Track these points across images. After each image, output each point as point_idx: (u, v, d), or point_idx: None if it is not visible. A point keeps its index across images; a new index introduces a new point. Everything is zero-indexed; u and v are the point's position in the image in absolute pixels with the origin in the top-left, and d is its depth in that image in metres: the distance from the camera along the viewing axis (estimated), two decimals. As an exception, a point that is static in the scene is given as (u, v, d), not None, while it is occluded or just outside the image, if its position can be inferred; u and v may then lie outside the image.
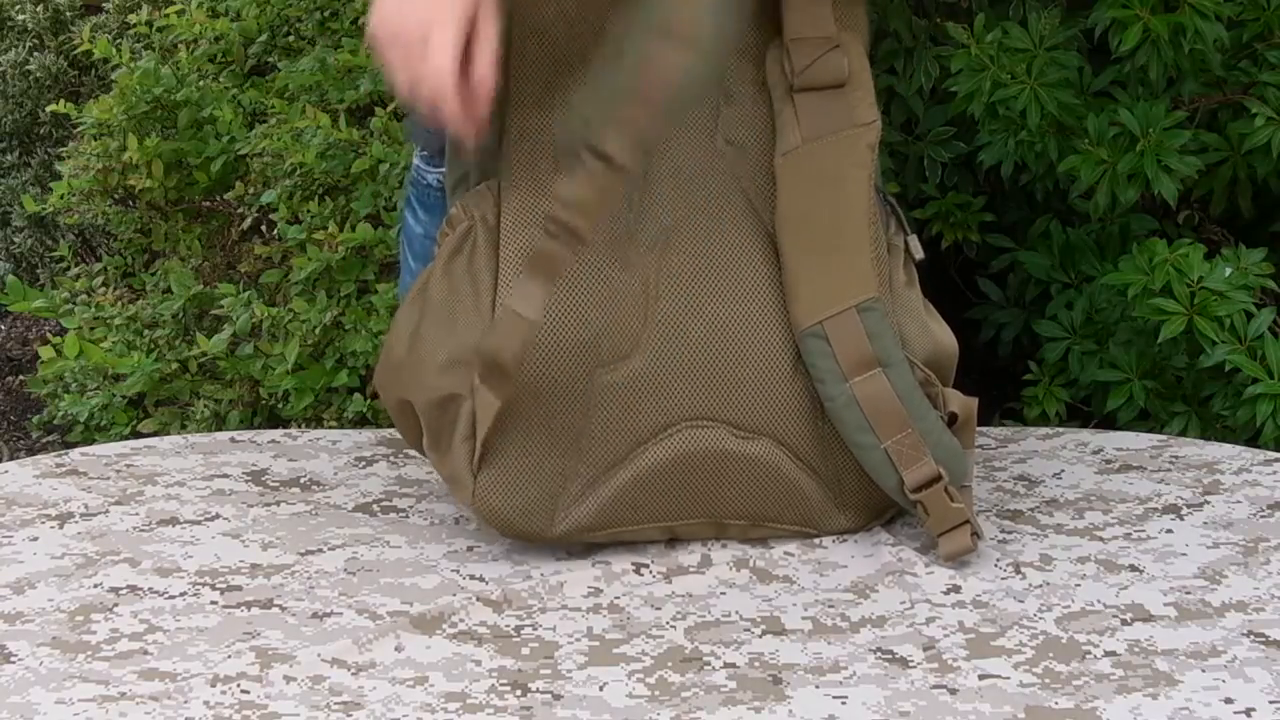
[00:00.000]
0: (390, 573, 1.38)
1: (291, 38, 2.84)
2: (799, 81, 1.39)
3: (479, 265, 1.37)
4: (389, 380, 1.41)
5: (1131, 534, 1.43)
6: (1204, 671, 1.20)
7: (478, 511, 1.37)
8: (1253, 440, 1.93)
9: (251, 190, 2.70)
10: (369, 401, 2.45)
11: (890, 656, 1.23)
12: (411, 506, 1.50)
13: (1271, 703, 1.15)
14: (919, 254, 1.44)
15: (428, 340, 1.37)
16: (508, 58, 1.37)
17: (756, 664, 1.23)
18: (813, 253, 1.38)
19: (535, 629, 1.29)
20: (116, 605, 1.33)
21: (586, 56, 1.38)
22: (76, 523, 1.48)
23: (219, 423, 2.58)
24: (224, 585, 1.36)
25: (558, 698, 1.19)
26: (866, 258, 1.38)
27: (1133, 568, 1.36)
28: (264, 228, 2.78)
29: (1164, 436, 1.65)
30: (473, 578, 1.37)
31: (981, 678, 1.20)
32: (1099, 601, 1.31)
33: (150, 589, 1.36)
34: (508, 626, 1.29)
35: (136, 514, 1.50)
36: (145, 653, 1.25)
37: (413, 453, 1.59)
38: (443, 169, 1.50)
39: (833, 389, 1.36)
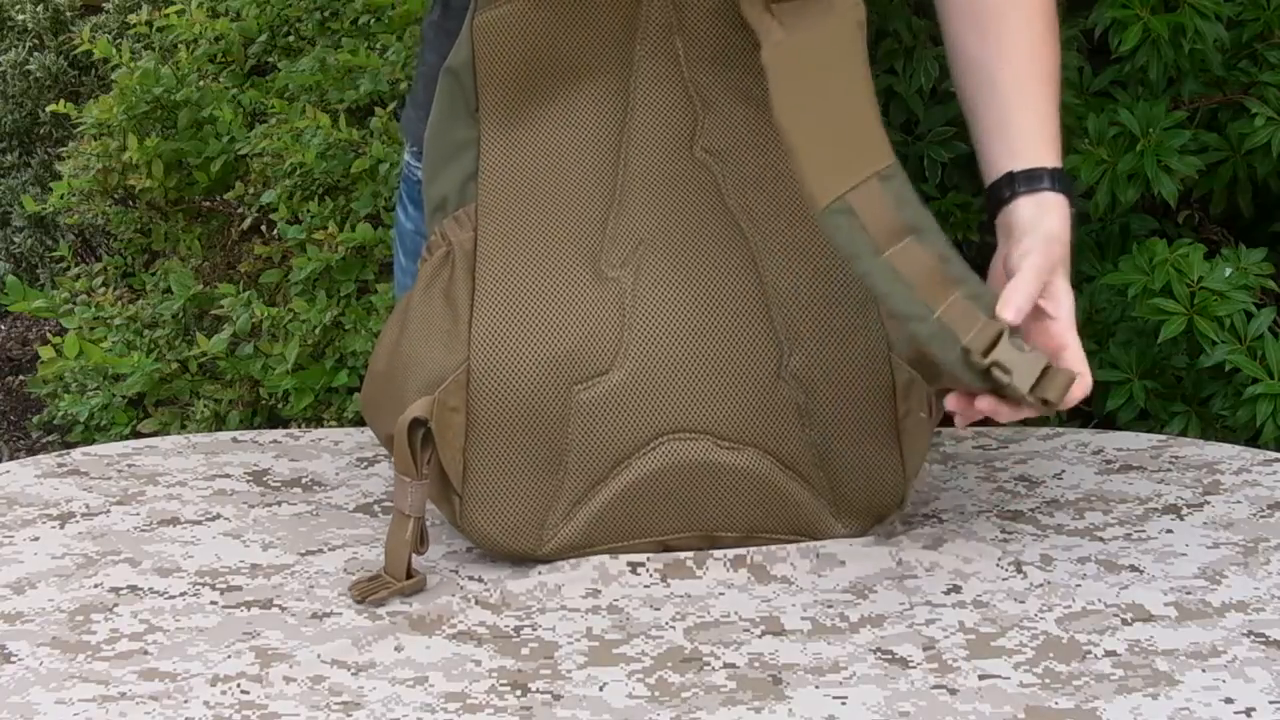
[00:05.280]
0: (390, 573, 1.38)
1: (291, 38, 2.85)
2: None
3: (456, 290, 1.37)
4: (373, 397, 1.40)
5: (1132, 534, 1.43)
6: (1204, 671, 1.20)
7: (464, 532, 1.37)
8: (1253, 440, 1.93)
9: (251, 190, 2.70)
10: (369, 401, 2.45)
11: (890, 657, 1.24)
12: (411, 506, 1.50)
13: (1271, 703, 1.15)
14: None
15: (406, 357, 1.37)
16: (474, 77, 1.37)
17: (756, 664, 1.23)
18: (819, 131, 1.31)
19: (535, 629, 1.29)
20: (116, 605, 1.33)
21: (557, 75, 1.37)
22: (77, 523, 1.48)
23: (219, 423, 2.58)
24: (224, 585, 1.36)
25: (558, 698, 1.19)
26: (877, 128, 1.31)
27: (1133, 568, 1.36)
28: (264, 228, 2.78)
29: (1164, 436, 1.65)
30: (472, 578, 1.37)
31: (981, 678, 1.20)
32: (1099, 601, 1.31)
33: (150, 589, 1.36)
34: (507, 627, 1.29)
35: (137, 514, 1.50)
36: (145, 653, 1.25)
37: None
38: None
39: (869, 264, 1.28)
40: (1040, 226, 1.36)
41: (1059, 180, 1.38)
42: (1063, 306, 1.32)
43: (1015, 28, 1.41)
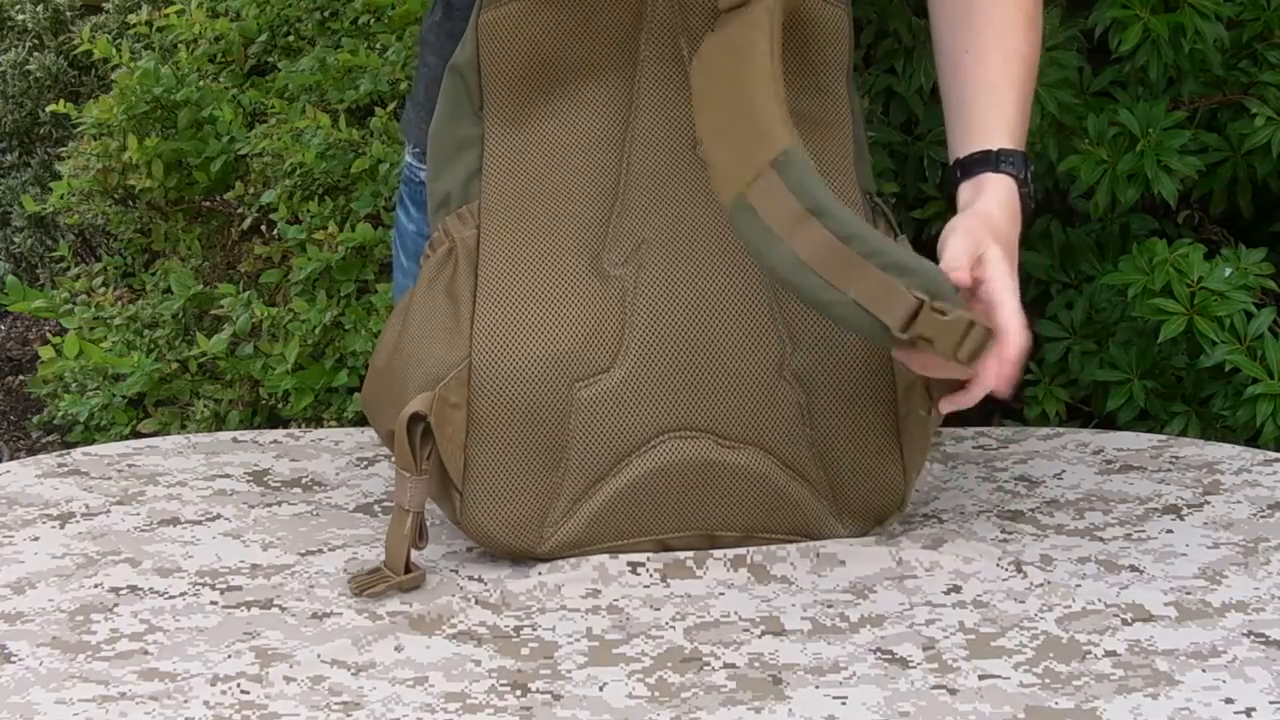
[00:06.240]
0: (390, 573, 1.37)
1: (291, 38, 2.84)
2: (722, 4, 1.35)
3: (459, 287, 1.37)
4: (374, 393, 1.41)
5: (1132, 534, 1.43)
6: (1204, 671, 1.20)
7: (464, 529, 1.37)
8: (1253, 440, 1.93)
9: (251, 190, 2.70)
10: (369, 401, 2.45)
11: (890, 657, 1.24)
12: (411, 506, 1.50)
13: (1272, 703, 1.15)
14: None
15: (408, 354, 1.37)
16: (479, 76, 1.37)
17: (756, 664, 1.23)
18: (724, 130, 1.31)
19: (534, 629, 1.29)
20: (116, 605, 1.33)
21: (562, 75, 1.37)
22: (77, 523, 1.48)
23: (219, 423, 2.58)
24: (224, 585, 1.36)
25: (558, 698, 1.19)
26: (773, 114, 1.29)
27: (1133, 568, 1.36)
28: (264, 228, 2.78)
29: (1164, 436, 1.65)
30: (472, 578, 1.37)
31: (981, 678, 1.20)
32: (1099, 601, 1.31)
33: (150, 589, 1.36)
34: (507, 627, 1.29)
35: (138, 514, 1.50)
36: (145, 653, 1.25)
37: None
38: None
39: (774, 257, 1.27)
40: (973, 205, 1.36)
41: (1005, 161, 1.37)
42: (993, 268, 1.30)
43: (988, 16, 1.42)
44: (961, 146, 1.40)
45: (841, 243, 1.23)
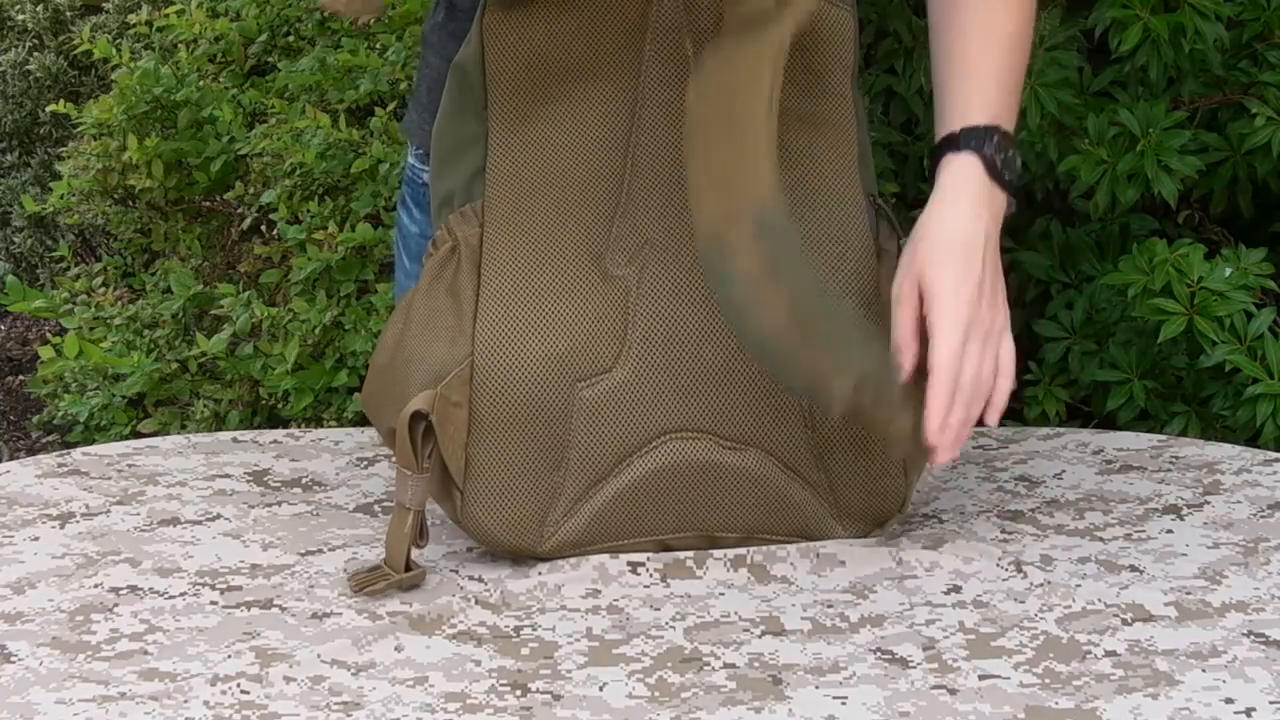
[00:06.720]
0: (390, 573, 1.38)
1: (291, 38, 2.85)
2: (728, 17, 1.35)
3: (461, 286, 1.37)
4: (375, 391, 1.40)
5: (1132, 534, 1.43)
6: (1204, 671, 1.20)
7: (465, 528, 1.37)
8: (1253, 440, 1.93)
9: (251, 190, 2.70)
10: (369, 401, 2.45)
11: (890, 657, 1.24)
12: (411, 506, 1.50)
13: (1272, 703, 1.16)
14: None
15: (409, 352, 1.37)
16: (483, 74, 1.38)
17: (756, 664, 1.23)
18: (712, 164, 1.31)
19: (534, 629, 1.29)
20: (116, 605, 1.33)
21: (567, 74, 1.37)
22: (77, 523, 1.48)
23: (219, 423, 2.58)
24: (224, 585, 1.36)
25: (558, 698, 1.19)
26: (765, 164, 1.29)
27: (1133, 568, 1.36)
28: (264, 228, 2.78)
29: (1164, 436, 1.65)
30: (472, 578, 1.37)
31: (982, 678, 1.20)
32: (1099, 601, 1.31)
33: (150, 589, 1.36)
34: (507, 627, 1.29)
35: (137, 514, 1.50)
36: (145, 653, 1.25)
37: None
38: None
39: (733, 306, 1.29)
40: (928, 210, 1.36)
41: (968, 138, 1.37)
42: (931, 302, 1.31)
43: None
44: (942, 129, 1.40)
45: (797, 312, 1.27)
